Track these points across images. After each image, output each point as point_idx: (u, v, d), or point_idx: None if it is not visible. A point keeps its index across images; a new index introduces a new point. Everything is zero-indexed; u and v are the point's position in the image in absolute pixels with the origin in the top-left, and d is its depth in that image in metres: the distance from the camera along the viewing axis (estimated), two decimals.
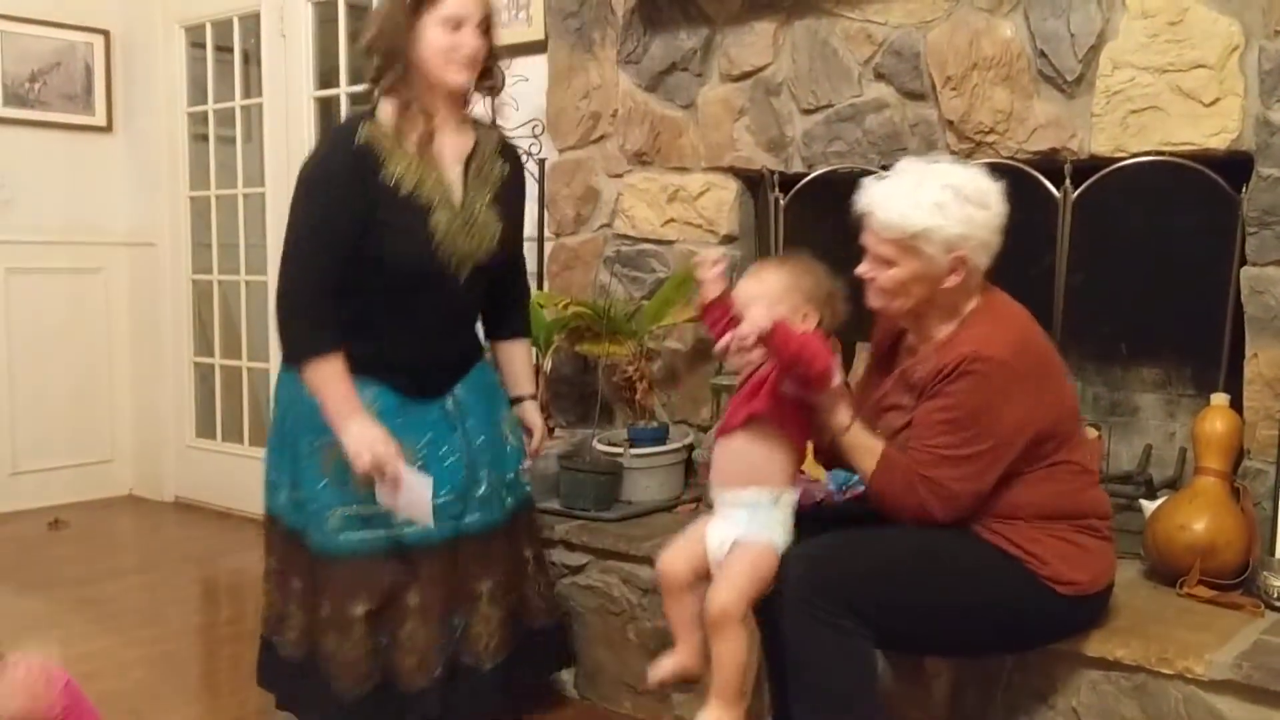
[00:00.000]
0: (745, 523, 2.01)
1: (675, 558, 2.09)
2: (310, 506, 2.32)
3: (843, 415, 2.04)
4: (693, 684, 2.29)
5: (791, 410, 2.04)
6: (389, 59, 2.21)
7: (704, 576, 2.05)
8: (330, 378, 2.18)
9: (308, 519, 2.33)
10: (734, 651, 1.97)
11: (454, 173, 2.32)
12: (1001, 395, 1.92)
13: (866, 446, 2.03)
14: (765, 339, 1.91)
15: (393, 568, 2.28)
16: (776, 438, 2.04)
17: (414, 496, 2.22)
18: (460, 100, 2.33)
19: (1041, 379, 1.98)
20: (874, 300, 2.06)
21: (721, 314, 2.12)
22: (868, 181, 2.03)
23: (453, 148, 2.31)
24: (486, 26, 2.25)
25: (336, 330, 2.19)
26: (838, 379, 2.02)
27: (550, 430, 3.26)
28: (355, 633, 2.28)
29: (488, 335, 2.63)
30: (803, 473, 2.36)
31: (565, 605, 2.76)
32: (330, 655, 2.29)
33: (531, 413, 2.66)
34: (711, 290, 2.17)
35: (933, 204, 1.93)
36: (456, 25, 2.19)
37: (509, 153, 2.49)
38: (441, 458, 2.35)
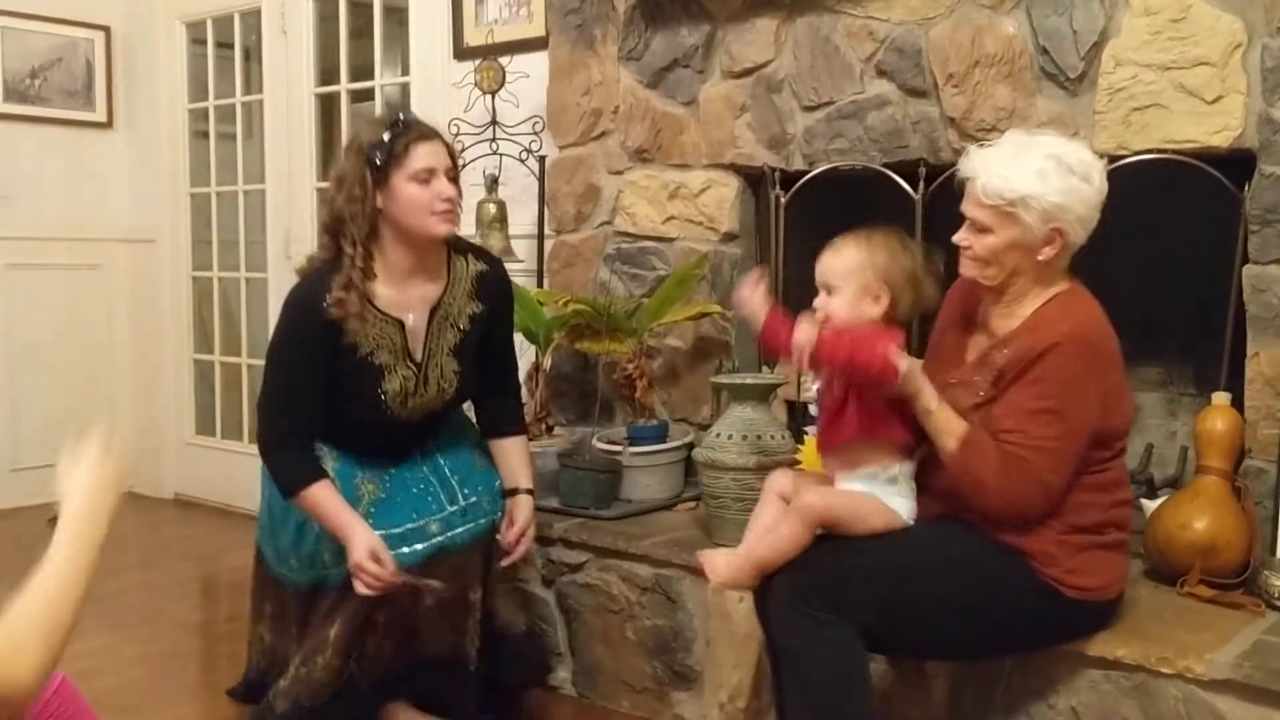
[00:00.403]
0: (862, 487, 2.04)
1: (785, 473, 2.19)
2: (302, 550, 2.39)
3: (927, 399, 1.99)
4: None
5: (878, 408, 2.01)
6: (358, 227, 2.21)
7: None
8: (322, 500, 2.25)
9: (299, 560, 2.40)
10: (788, 535, 2.00)
11: (419, 327, 2.33)
12: (1087, 379, 1.92)
13: (952, 428, 1.98)
14: (812, 359, 1.92)
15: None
16: (874, 435, 2.03)
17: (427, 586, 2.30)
18: (436, 247, 2.31)
19: (1118, 374, 1.99)
20: (967, 269, 2.05)
21: (778, 328, 2.06)
22: (971, 149, 2.04)
23: (420, 299, 2.32)
24: (454, 176, 2.27)
25: (318, 458, 2.31)
26: (904, 366, 1.95)
27: (550, 429, 3.26)
28: (327, 653, 2.30)
29: (484, 433, 2.59)
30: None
31: (540, 610, 2.78)
32: (301, 677, 2.32)
33: (522, 507, 2.52)
34: (760, 312, 2.11)
35: (1035, 171, 1.93)
36: (428, 177, 2.19)
37: (487, 285, 2.42)
38: (408, 485, 2.37)
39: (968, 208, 2.02)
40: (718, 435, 2.66)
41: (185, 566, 4.02)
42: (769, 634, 2.10)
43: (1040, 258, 1.98)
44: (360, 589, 2.19)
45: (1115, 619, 2.09)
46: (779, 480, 2.17)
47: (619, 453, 2.98)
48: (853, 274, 2.02)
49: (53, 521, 4.59)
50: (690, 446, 2.98)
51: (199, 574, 3.99)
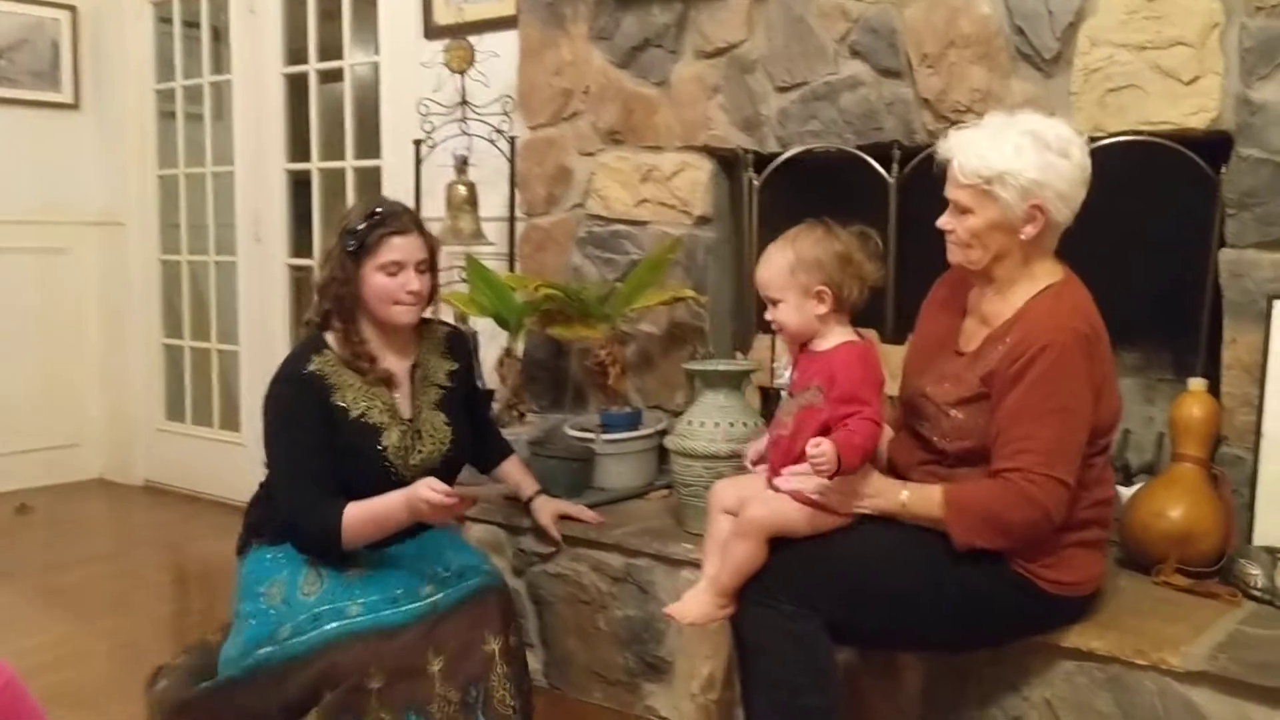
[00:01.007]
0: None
1: (727, 485, 2.18)
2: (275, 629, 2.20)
3: (889, 502, 1.99)
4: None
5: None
6: (337, 301, 2.30)
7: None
8: (361, 515, 2.19)
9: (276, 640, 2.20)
10: (742, 555, 1.98)
11: (403, 386, 2.38)
12: (1084, 373, 1.89)
13: (931, 504, 1.95)
14: (836, 472, 1.90)
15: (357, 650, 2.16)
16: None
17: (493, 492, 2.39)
18: (406, 330, 2.39)
19: (1109, 369, 1.97)
20: (953, 254, 2.04)
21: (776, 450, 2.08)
22: (950, 131, 2.03)
23: (397, 364, 2.38)
24: (426, 267, 2.33)
25: (337, 502, 2.21)
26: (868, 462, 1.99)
27: (521, 416, 3.21)
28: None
29: (482, 469, 2.68)
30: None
31: None
32: None
33: (545, 505, 2.68)
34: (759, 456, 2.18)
35: (1011, 148, 1.91)
36: (396, 270, 2.27)
37: (455, 344, 2.51)
38: (397, 559, 2.29)
39: (948, 190, 2.00)
40: (690, 423, 2.61)
41: (154, 555, 3.97)
42: (735, 627, 2.07)
43: (1023, 236, 1.95)
44: (437, 519, 2.22)
45: (1090, 614, 2.06)
46: (722, 495, 2.15)
47: (591, 440, 2.94)
48: (787, 281, 2.02)
49: (21, 509, 4.53)
50: (663, 434, 2.94)
51: (168, 563, 3.94)
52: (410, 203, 3.50)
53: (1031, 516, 1.87)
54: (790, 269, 2.01)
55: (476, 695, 2.11)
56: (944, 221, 2.02)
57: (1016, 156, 1.90)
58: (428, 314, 2.46)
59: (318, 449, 2.24)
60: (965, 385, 1.98)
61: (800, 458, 1.96)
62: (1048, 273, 2.01)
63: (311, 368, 2.28)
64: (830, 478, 1.91)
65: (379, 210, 2.29)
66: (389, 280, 2.27)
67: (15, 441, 4.77)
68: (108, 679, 2.85)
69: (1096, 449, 1.98)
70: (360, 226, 2.27)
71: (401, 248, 2.27)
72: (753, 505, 2.01)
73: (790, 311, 2.03)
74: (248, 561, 2.33)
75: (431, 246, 2.35)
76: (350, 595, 2.17)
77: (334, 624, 2.12)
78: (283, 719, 2.09)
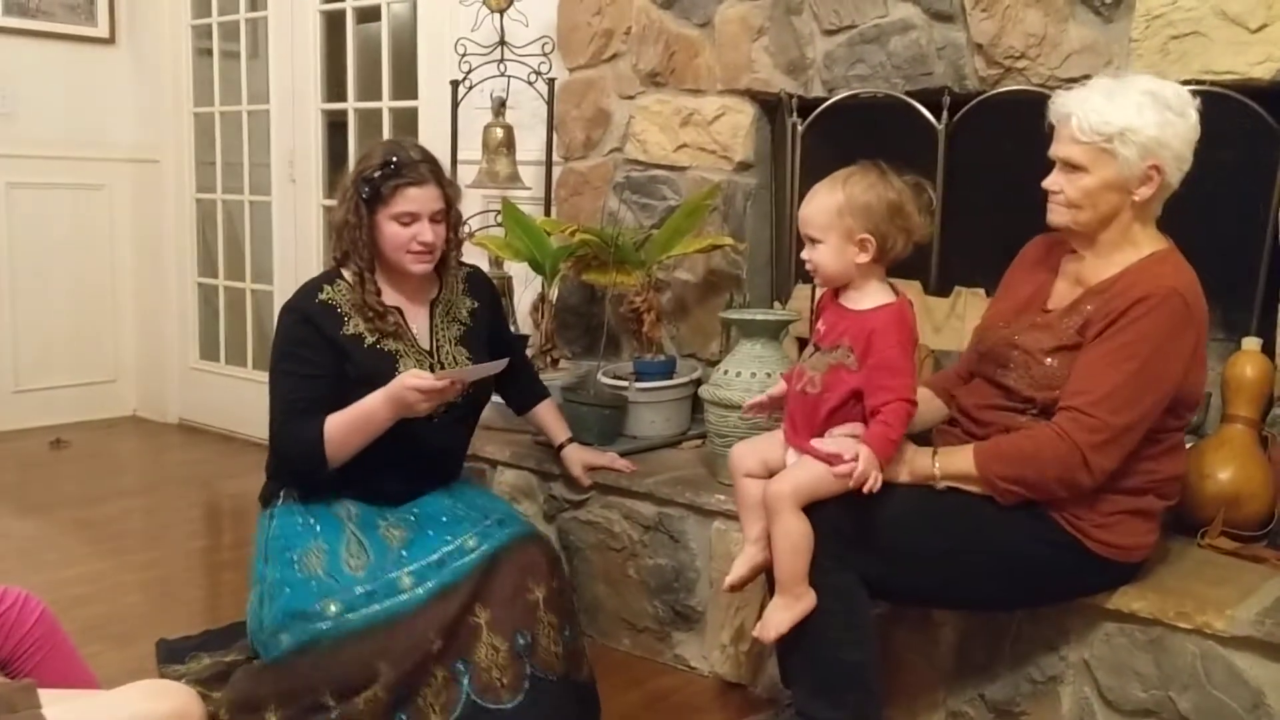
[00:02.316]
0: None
1: (748, 450, 2.09)
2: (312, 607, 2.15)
3: (922, 464, 1.96)
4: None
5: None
6: (353, 245, 2.27)
7: (772, 473, 2.01)
8: (341, 422, 2.18)
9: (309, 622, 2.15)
10: (784, 536, 1.92)
11: (421, 318, 2.36)
12: (1175, 337, 1.86)
13: (964, 466, 1.93)
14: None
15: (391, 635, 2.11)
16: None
17: (481, 371, 2.28)
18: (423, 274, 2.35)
19: (1202, 340, 1.93)
20: (1057, 216, 1.99)
21: (801, 406, 2.01)
22: (1059, 92, 1.98)
23: (418, 294, 2.36)
24: (442, 217, 2.29)
25: (318, 417, 2.19)
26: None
27: (555, 362, 3.18)
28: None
29: (517, 411, 2.70)
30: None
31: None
32: None
33: (576, 454, 2.67)
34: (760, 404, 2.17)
35: (1133, 105, 1.88)
36: (410, 221, 2.24)
37: (476, 283, 2.49)
38: (435, 516, 2.27)
39: (1060, 148, 1.95)
40: (725, 372, 2.58)
41: (188, 492, 3.99)
42: (769, 579, 2.03)
43: (1136, 197, 1.91)
44: (423, 410, 2.16)
45: (1135, 578, 2.02)
46: (743, 459, 2.08)
47: (625, 388, 2.91)
48: (831, 221, 1.94)
49: (56, 444, 4.59)
50: (698, 383, 2.90)
51: (200, 500, 3.96)
52: (446, 145, 3.49)
53: (1060, 452, 1.84)
54: (837, 210, 1.93)
55: (525, 644, 2.09)
56: (1051, 181, 1.98)
57: (1138, 114, 1.87)
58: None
59: (311, 379, 2.22)
60: (1059, 334, 1.95)
61: (828, 420, 1.93)
62: (1151, 241, 1.97)
63: (322, 297, 2.28)
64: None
65: (394, 160, 2.25)
66: (402, 230, 2.24)
67: (50, 377, 4.80)
68: (140, 613, 2.87)
69: (1180, 421, 1.94)
70: (375, 175, 2.24)
71: (416, 199, 2.24)
72: (775, 482, 1.95)
73: (829, 254, 1.96)
74: (276, 520, 2.29)
75: (448, 197, 2.31)
76: (399, 564, 2.14)
77: (389, 600, 2.09)
78: (333, 693, 2.05)
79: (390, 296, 2.33)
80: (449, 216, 2.32)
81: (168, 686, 1.56)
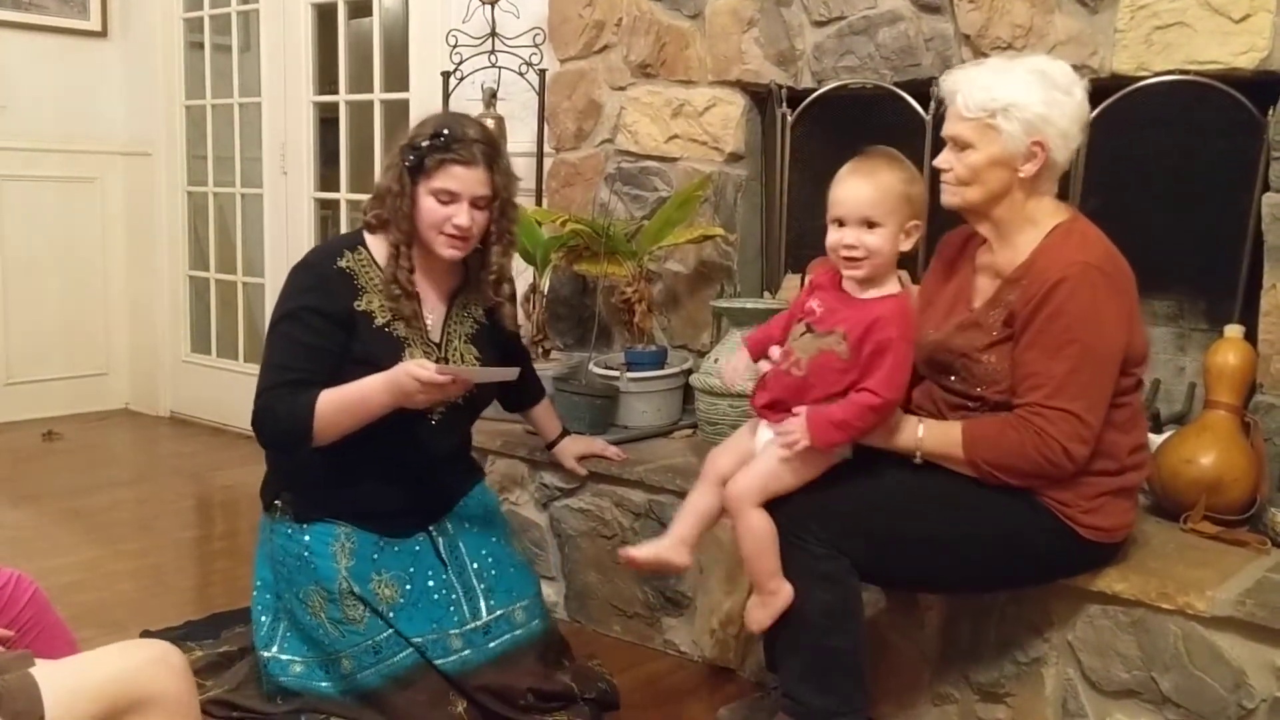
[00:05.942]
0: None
1: (723, 451, 2.09)
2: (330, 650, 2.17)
3: (906, 437, 1.96)
4: (668, 575, 2.30)
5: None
6: (394, 213, 2.14)
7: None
8: (336, 400, 2.05)
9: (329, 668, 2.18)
10: (747, 535, 1.94)
11: (437, 310, 2.25)
12: (1105, 304, 1.87)
13: (949, 441, 1.93)
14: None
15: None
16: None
17: (488, 375, 2.20)
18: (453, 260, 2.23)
19: (1132, 298, 1.94)
20: (949, 196, 2.00)
21: (782, 385, 2.00)
22: (948, 72, 2.02)
23: (441, 282, 2.25)
24: (485, 204, 2.15)
25: (312, 389, 2.07)
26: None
27: (546, 353, 3.20)
28: None
29: (513, 410, 2.62)
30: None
31: (533, 534, 2.56)
32: None
33: (567, 447, 2.65)
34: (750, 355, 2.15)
35: (1019, 82, 1.90)
36: (449, 200, 2.11)
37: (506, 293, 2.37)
38: (429, 591, 2.20)
39: (949, 126, 1.98)
40: (716, 360, 2.60)
41: (179, 484, 4.00)
42: None
43: (1021, 174, 1.93)
44: (420, 402, 2.06)
45: (1118, 560, 2.04)
46: (718, 463, 2.07)
47: (616, 378, 2.93)
48: (898, 206, 1.90)
49: (48, 436, 4.57)
50: (688, 373, 2.93)
51: (192, 491, 3.96)
52: None
53: (1043, 451, 1.85)
54: (905, 195, 1.90)
55: None
56: (941, 160, 1.99)
57: (1025, 91, 1.89)
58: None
59: (311, 350, 2.09)
60: (988, 330, 1.96)
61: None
62: (1050, 214, 1.97)
63: (341, 264, 2.15)
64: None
65: (446, 132, 2.10)
66: (438, 207, 2.10)
67: (42, 370, 4.80)
68: (132, 600, 2.88)
69: (1131, 380, 1.95)
70: (424, 144, 2.10)
71: (460, 177, 2.10)
72: (734, 478, 1.96)
73: (887, 240, 1.90)
74: (277, 539, 2.22)
75: (497, 184, 2.14)
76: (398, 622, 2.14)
77: (391, 660, 2.11)
78: None
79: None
80: (494, 206, 2.17)
81: (145, 640, 1.62)
